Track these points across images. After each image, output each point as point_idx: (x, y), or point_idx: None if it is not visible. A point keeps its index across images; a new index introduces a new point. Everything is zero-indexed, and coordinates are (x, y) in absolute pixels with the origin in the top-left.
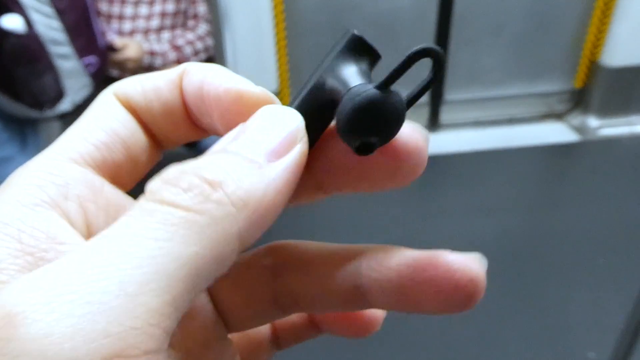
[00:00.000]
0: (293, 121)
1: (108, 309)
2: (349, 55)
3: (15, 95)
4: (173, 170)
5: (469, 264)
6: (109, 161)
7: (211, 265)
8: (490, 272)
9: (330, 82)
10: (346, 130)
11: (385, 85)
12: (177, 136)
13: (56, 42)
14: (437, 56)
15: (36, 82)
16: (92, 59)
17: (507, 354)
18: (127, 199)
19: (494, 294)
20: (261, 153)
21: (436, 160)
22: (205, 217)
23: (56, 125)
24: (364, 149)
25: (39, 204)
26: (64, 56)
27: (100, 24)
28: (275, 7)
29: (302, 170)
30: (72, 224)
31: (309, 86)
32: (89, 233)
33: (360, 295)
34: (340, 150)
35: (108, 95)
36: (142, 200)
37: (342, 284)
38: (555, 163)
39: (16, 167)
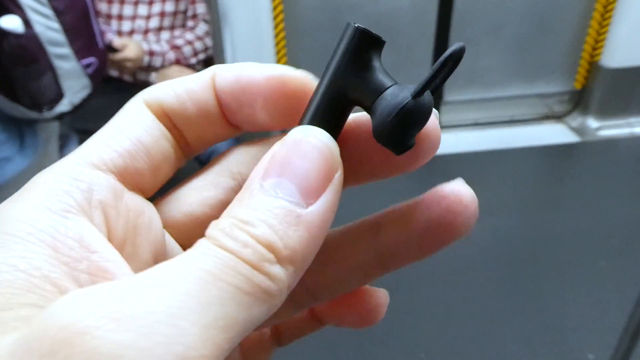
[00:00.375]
0: (327, 149)
1: (186, 335)
2: (358, 51)
3: (14, 96)
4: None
5: (460, 185)
6: (131, 168)
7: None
8: (490, 273)
9: (347, 84)
10: (388, 137)
11: (421, 93)
12: (211, 135)
13: (55, 43)
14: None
15: (35, 83)
16: (91, 59)
17: (506, 355)
18: (148, 205)
19: (494, 295)
20: (299, 196)
21: (436, 161)
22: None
23: (54, 125)
24: (404, 150)
25: (68, 210)
26: (63, 57)
27: (99, 25)
28: (274, 7)
29: (338, 202)
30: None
31: (323, 91)
32: (109, 239)
33: (380, 262)
34: (360, 145)
35: (137, 102)
36: (206, 242)
37: (362, 258)
38: (555, 164)
39: (15, 167)
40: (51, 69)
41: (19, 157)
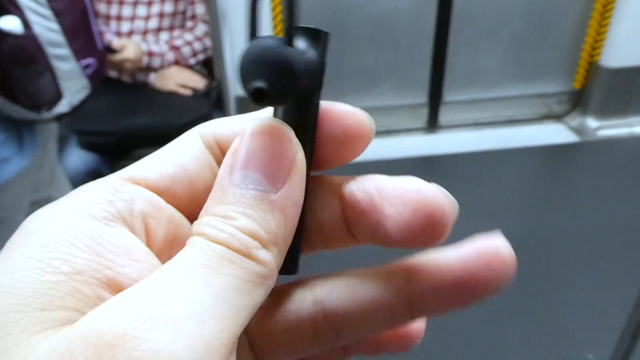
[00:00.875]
0: (282, 134)
1: (207, 328)
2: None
3: (13, 96)
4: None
5: (499, 241)
6: (171, 192)
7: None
8: None
9: None
10: (239, 77)
11: (287, 39)
12: None
13: (54, 44)
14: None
15: (34, 83)
16: (90, 60)
17: (506, 355)
18: (187, 221)
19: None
20: (266, 183)
21: (435, 161)
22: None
23: (53, 126)
24: (256, 95)
25: (111, 219)
26: (62, 58)
27: (98, 26)
28: (273, 7)
29: (307, 172)
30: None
31: None
32: (148, 247)
33: (409, 308)
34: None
35: (192, 132)
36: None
37: (392, 302)
38: (554, 164)
39: (14, 168)
40: (50, 69)
41: (17, 158)
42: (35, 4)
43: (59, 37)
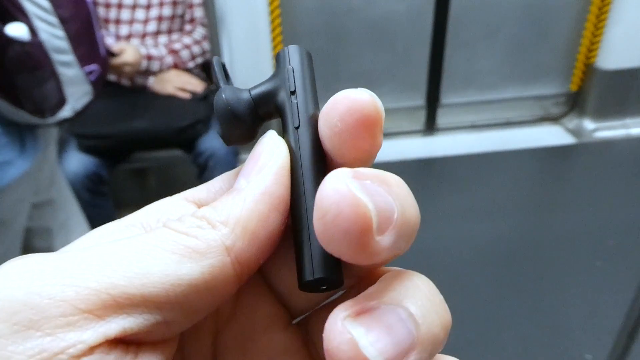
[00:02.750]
0: (269, 142)
1: (86, 272)
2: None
3: (17, 102)
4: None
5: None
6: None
7: (202, 281)
8: (487, 274)
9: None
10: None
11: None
12: None
13: (59, 50)
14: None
15: (38, 89)
16: (93, 67)
17: (504, 356)
18: None
19: (491, 296)
20: (242, 181)
21: (433, 163)
22: (191, 238)
23: (53, 129)
24: (223, 140)
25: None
26: (66, 64)
27: (101, 33)
28: (271, 11)
29: (287, 173)
30: None
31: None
32: None
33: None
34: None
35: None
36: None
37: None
38: (551, 166)
39: (16, 171)
40: (55, 75)
41: (19, 161)
42: (42, 11)
43: (64, 44)
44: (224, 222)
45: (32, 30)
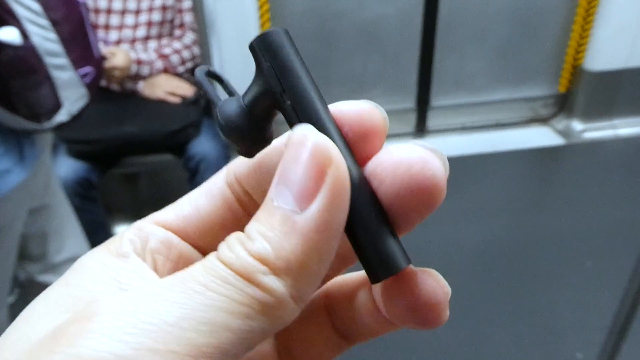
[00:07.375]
0: (315, 146)
1: (161, 332)
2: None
3: (12, 107)
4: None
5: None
6: (183, 230)
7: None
8: (478, 275)
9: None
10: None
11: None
12: None
13: (52, 54)
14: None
15: (33, 93)
16: (88, 69)
17: (496, 355)
18: (199, 256)
19: (483, 297)
20: (293, 202)
21: None
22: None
23: (49, 135)
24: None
25: (130, 254)
26: (60, 67)
27: (95, 35)
28: (261, 15)
29: (346, 198)
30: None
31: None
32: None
33: (342, 336)
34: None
35: (223, 170)
36: (210, 256)
37: (323, 335)
38: (541, 166)
39: (15, 179)
40: (49, 79)
41: (18, 169)
42: (33, 14)
43: (57, 47)
44: (285, 270)
45: (24, 34)
